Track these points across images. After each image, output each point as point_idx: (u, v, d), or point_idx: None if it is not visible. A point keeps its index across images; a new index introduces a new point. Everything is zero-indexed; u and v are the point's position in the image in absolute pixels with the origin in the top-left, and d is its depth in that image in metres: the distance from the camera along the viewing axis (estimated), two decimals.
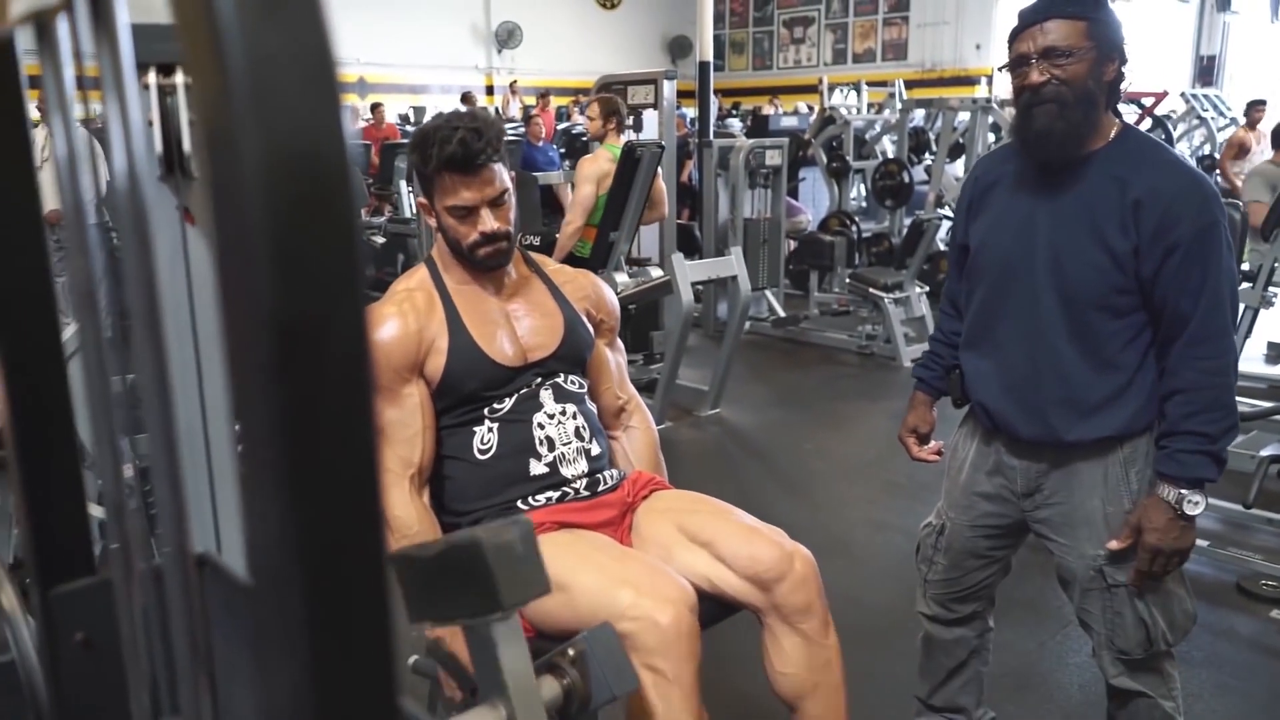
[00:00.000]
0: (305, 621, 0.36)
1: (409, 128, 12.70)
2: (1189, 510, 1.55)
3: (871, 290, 5.58)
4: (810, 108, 11.63)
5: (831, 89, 10.80)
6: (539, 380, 1.71)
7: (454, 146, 1.59)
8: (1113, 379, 1.60)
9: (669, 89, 4.95)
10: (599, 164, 4.67)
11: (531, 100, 13.25)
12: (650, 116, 5.29)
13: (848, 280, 6.14)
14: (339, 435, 0.36)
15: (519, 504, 1.65)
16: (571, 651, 1.28)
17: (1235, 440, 1.59)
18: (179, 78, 1.22)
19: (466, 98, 11.69)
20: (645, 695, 1.41)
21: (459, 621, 1.17)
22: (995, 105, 6.99)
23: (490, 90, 17.62)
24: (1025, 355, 1.66)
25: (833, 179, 7.34)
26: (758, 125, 10.37)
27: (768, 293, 6.48)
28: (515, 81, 14.54)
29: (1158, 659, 1.70)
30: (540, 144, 9.05)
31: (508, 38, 17.60)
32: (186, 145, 1.22)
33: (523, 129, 9.45)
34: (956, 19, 17.49)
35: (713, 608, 1.60)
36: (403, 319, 1.64)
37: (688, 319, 4.33)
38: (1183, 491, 1.55)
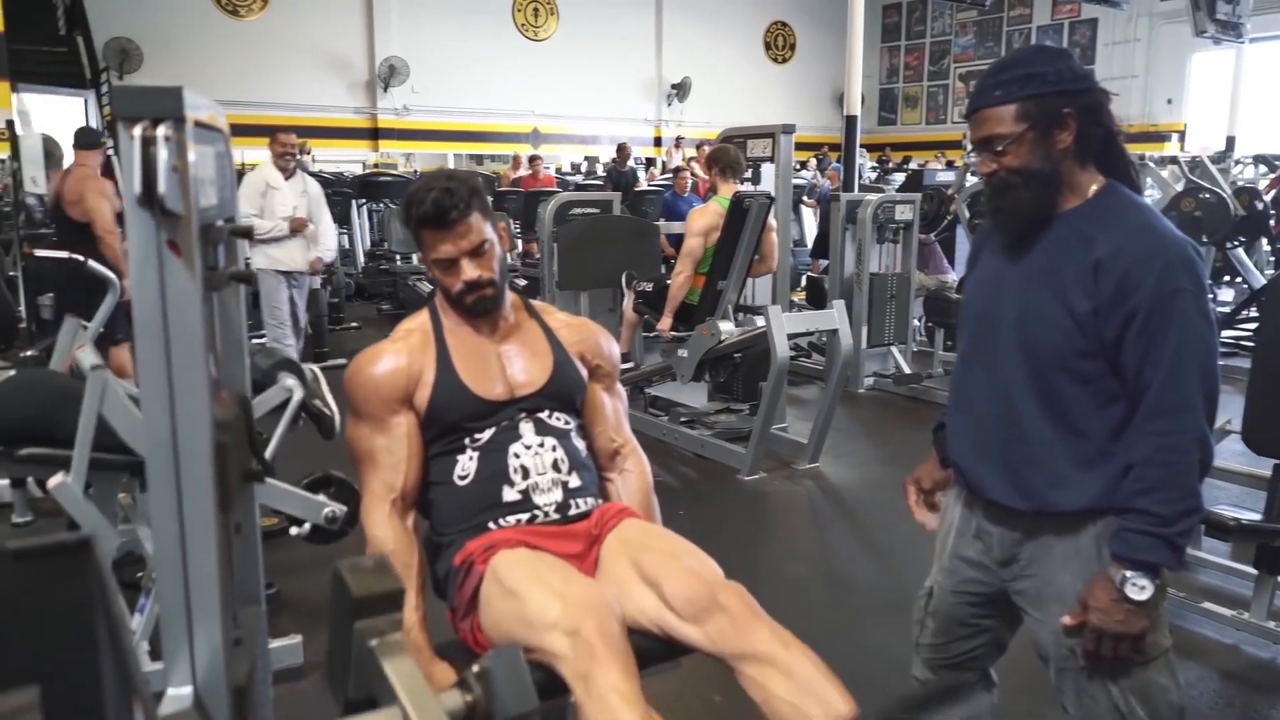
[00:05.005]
0: None
1: (575, 177, 13.23)
2: (1131, 594, 1.44)
3: None
4: None
5: None
6: (522, 414, 1.80)
7: (427, 206, 1.72)
8: (1079, 447, 1.52)
9: (786, 143, 4.98)
10: (707, 217, 4.77)
11: (694, 152, 13.56)
12: (769, 170, 5.32)
13: None
14: None
15: (489, 525, 1.73)
16: (477, 669, 1.35)
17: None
18: (161, 130, 1.39)
19: (621, 149, 12.08)
20: (580, 702, 1.45)
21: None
22: (1181, 160, 6.59)
23: (658, 141, 18.10)
24: (991, 415, 1.61)
25: (974, 235, 7.13)
26: (912, 179, 10.21)
27: (894, 349, 6.36)
28: (681, 138, 14.96)
29: None
30: (686, 195, 9.22)
31: (677, 91, 18.06)
32: (162, 187, 1.38)
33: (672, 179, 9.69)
34: (1146, 72, 16.64)
35: (660, 649, 1.63)
36: (396, 356, 1.78)
37: (783, 370, 4.31)
38: (1126, 573, 1.45)
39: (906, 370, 6.21)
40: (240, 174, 9.09)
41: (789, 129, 5.01)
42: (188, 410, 1.46)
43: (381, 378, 1.75)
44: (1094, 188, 1.54)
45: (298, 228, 5.73)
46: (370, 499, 1.74)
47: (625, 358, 5.20)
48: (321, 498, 2.74)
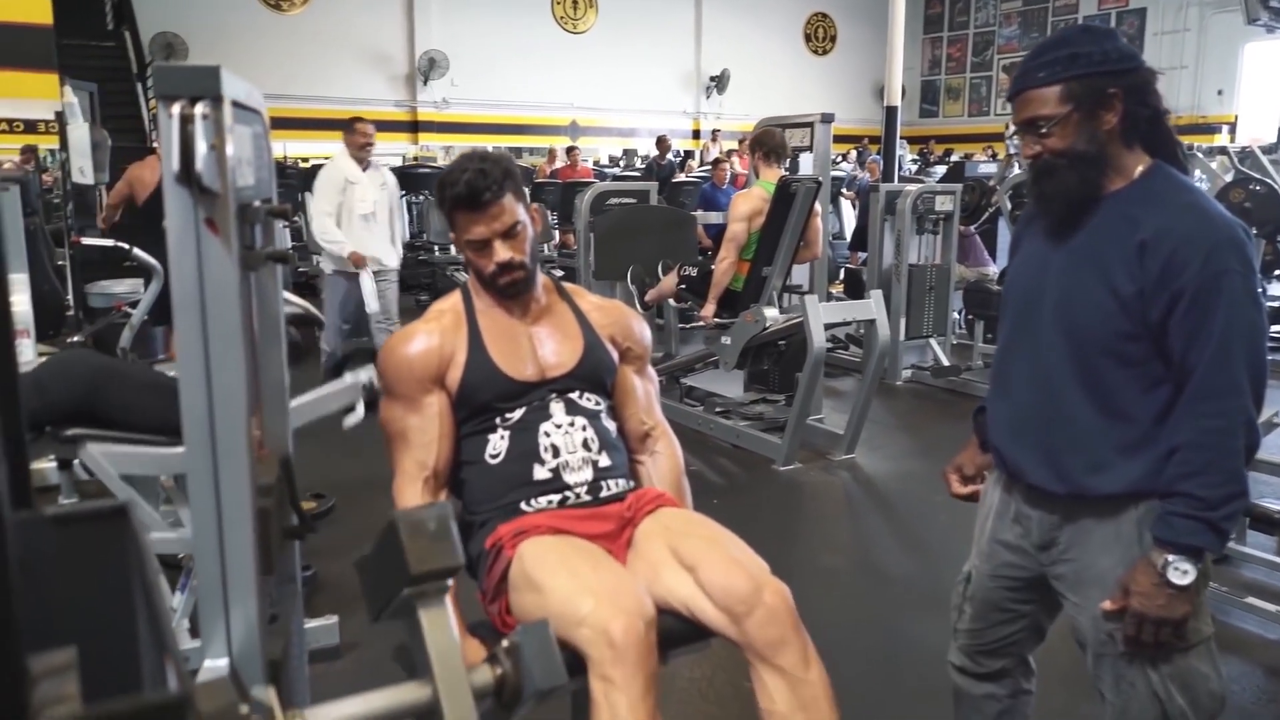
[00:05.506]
0: None
1: (613, 170, 13.24)
2: (1174, 578, 1.42)
3: None
4: None
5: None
6: (552, 394, 1.80)
7: (460, 187, 1.73)
8: (1123, 431, 1.49)
9: (824, 132, 4.94)
10: (751, 202, 4.68)
11: (732, 145, 13.51)
12: (806, 159, 5.28)
13: None
14: None
15: (521, 505, 1.74)
16: (507, 644, 1.36)
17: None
18: (199, 108, 1.40)
19: (662, 141, 12.06)
20: (596, 702, 1.46)
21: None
22: (1231, 151, 6.38)
23: (697, 134, 18.06)
24: (1033, 398, 1.58)
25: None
26: (954, 171, 10.10)
27: (933, 341, 6.29)
28: (718, 131, 14.93)
29: None
30: (724, 187, 9.20)
31: (716, 84, 18.00)
32: (199, 164, 1.39)
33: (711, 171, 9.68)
34: (1197, 62, 16.29)
35: (689, 630, 1.63)
36: (428, 336, 1.80)
37: (819, 361, 4.29)
38: (1169, 557, 1.42)
39: (945, 362, 6.15)
40: (280, 166, 9.13)
41: (828, 118, 4.97)
42: (224, 386, 1.48)
43: (415, 357, 1.77)
44: (1140, 169, 1.51)
45: (358, 264, 5.21)
46: (403, 478, 1.76)
47: (649, 307, 5.12)
48: (348, 376, 2.64)
